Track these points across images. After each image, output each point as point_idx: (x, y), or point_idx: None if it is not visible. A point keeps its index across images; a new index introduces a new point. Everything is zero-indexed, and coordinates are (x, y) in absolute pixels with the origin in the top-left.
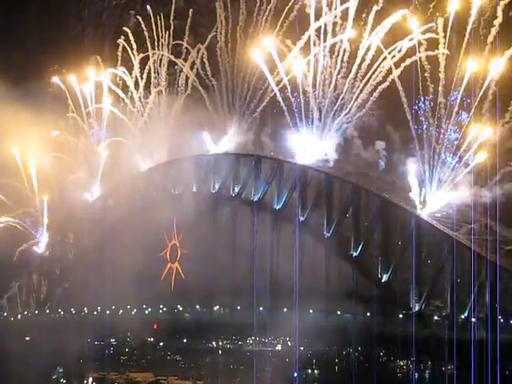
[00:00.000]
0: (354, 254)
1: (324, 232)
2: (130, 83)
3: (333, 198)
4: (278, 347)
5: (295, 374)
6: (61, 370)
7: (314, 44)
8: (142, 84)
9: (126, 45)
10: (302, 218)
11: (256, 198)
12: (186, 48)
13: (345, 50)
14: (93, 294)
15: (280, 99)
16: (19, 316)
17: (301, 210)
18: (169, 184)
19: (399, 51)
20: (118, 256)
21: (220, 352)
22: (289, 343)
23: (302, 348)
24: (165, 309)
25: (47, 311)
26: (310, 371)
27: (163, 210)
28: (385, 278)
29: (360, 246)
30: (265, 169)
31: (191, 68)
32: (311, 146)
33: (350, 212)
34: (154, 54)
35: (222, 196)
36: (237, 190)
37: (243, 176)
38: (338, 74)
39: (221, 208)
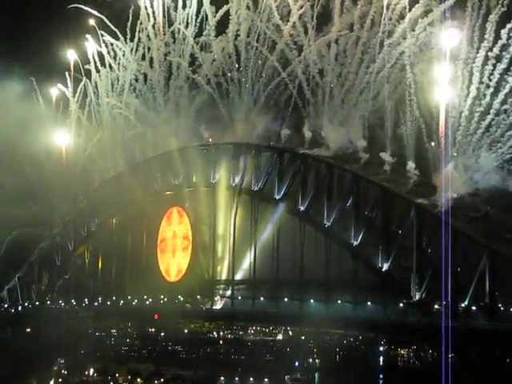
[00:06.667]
0: (355, 243)
1: (324, 221)
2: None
3: (333, 187)
4: (279, 337)
5: (296, 364)
6: (62, 361)
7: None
8: (162, 77)
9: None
10: (302, 208)
11: (256, 188)
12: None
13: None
14: (93, 284)
15: (305, 87)
16: (20, 308)
17: (301, 199)
18: (169, 174)
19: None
20: (118, 246)
21: (221, 342)
22: (290, 333)
23: (302, 337)
24: (165, 299)
25: (48, 302)
26: (311, 360)
27: (162, 201)
28: (385, 266)
29: (360, 235)
30: (265, 158)
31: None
32: (333, 135)
33: (350, 201)
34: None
35: (222, 186)
36: (237, 180)
37: (243, 166)
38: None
39: (220, 198)
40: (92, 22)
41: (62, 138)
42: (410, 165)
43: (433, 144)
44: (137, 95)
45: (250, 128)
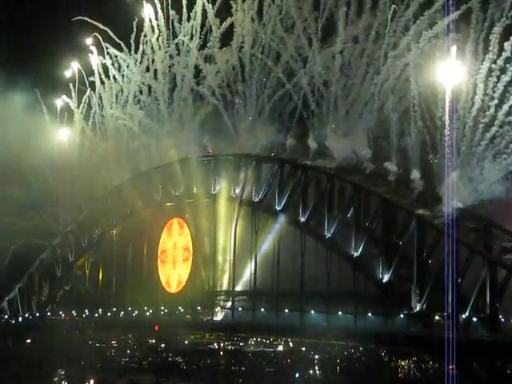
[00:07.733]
0: (355, 255)
1: (325, 232)
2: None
3: (334, 198)
4: (280, 348)
5: (297, 375)
6: (62, 373)
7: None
8: (166, 89)
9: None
10: (302, 219)
11: (257, 199)
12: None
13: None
14: (94, 295)
15: (310, 98)
16: (20, 319)
17: (302, 210)
18: (170, 185)
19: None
20: (118, 257)
21: (221, 353)
22: (290, 344)
23: (303, 349)
24: (166, 310)
25: (48, 314)
26: (311, 372)
27: (162, 212)
28: (386, 278)
29: (361, 247)
30: (266, 169)
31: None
32: (337, 146)
33: (350, 212)
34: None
35: (223, 197)
36: (237, 191)
37: (244, 177)
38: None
39: (221, 209)
40: (96, 34)
41: (65, 143)
42: (415, 175)
43: (439, 148)
44: (141, 107)
45: (254, 139)
